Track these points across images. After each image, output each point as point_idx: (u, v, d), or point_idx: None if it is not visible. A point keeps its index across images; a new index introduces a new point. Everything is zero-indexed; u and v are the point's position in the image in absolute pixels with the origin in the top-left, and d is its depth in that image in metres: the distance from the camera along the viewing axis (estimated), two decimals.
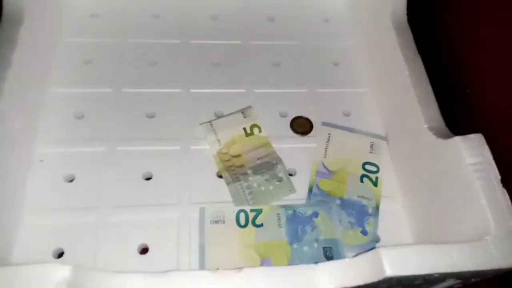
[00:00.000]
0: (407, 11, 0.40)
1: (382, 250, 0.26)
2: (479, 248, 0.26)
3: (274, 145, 0.40)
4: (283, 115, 0.42)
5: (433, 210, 0.34)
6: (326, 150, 0.41)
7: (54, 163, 0.38)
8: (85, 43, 0.45)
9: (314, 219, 0.37)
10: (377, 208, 0.38)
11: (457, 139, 0.31)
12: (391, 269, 0.25)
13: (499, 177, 0.29)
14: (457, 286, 0.31)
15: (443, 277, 0.27)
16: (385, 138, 0.42)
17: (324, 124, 0.42)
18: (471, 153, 0.30)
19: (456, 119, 0.36)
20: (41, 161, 0.38)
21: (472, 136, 0.31)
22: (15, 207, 0.35)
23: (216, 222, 0.36)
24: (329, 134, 0.41)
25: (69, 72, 0.43)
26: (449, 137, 0.32)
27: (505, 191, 0.29)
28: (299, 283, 0.27)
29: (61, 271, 0.23)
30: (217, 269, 0.27)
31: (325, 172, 0.40)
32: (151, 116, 0.41)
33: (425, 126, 0.34)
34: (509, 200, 0.28)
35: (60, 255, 0.34)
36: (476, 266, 0.26)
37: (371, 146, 0.41)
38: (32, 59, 0.38)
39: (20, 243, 0.34)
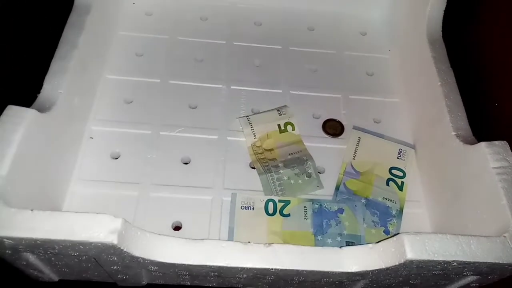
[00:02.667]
0: (447, 27, 0.43)
1: (404, 235, 0.28)
2: (497, 242, 0.28)
3: (305, 144, 0.43)
4: (316, 117, 0.45)
5: (455, 213, 0.35)
6: (355, 152, 0.43)
7: (102, 141, 0.41)
8: (139, 38, 0.49)
9: (339, 214, 0.39)
10: (401, 210, 0.40)
11: (483, 144, 0.33)
12: (412, 253, 0.27)
13: None
14: (474, 285, 0.32)
15: (461, 268, 0.28)
16: (413, 146, 0.43)
17: (355, 128, 0.44)
18: (495, 157, 0.32)
19: (484, 129, 0.37)
20: (91, 138, 0.41)
21: (497, 142, 0.32)
22: (65, 177, 0.38)
23: (246, 208, 0.39)
24: (359, 137, 0.44)
25: (122, 61, 0.46)
26: (474, 143, 0.34)
27: None
28: (324, 262, 0.29)
29: (114, 222, 0.26)
30: (248, 242, 0.29)
31: (353, 173, 0.42)
32: (194, 107, 0.44)
33: (453, 133, 0.36)
34: None
35: None
36: (493, 258, 0.27)
37: (399, 152, 0.43)
38: (93, 46, 0.42)
39: (67, 210, 0.37)
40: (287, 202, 0.39)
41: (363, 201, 0.40)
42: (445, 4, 0.42)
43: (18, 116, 0.30)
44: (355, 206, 0.39)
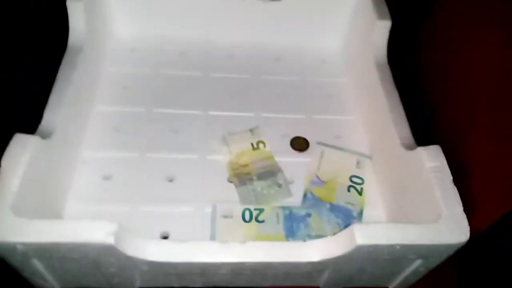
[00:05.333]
0: (392, 53, 0.50)
1: (354, 226, 0.33)
2: (432, 227, 0.33)
3: (276, 159, 0.48)
4: (285, 136, 0.51)
5: (403, 209, 0.41)
6: (319, 164, 0.48)
7: (95, 165, 0.46)
8: (125, 72, 0.54)
9: (307, 218, 0.44)
10: (361, 212, 0.45)
11: (420, 149, 0.39)
12: (360, 239, 0.32)
13: (451, 177, 0.37)
14: (422, 269, 0.38)
15: (404, 251, 0.34)
16: (369, 157, 0.50)
17: (318, 143, 0.50)
18: (430, 159, 0.38)
19: (423, 133, 0.44)
20: (85, 162, 0.46)
21: (431, 146, 0.39)
22: (62, 196, 0.42)
23: (226, 217, 0.44)
24: (322, 151, 0.50)
25: (111, 94, 0.52)
26: (414, 148, 0.40)
27: (455, 188, 0.36)
28: (291, 254, 0.34)
29: (111, 225, 0.31)
30: (227, 240, 0.34)
31: (318, 182, 0.47)
32: (176, 131, 0.50)
33: (398, 142, 0.42)
34: (458, 195, 0.36)
35: None
36: (429, 241, 0.33)
37: (358, 162, 0.49)
38: (85, 81, 0.47)
39: None
40: (261, 210, 0.44)
41: (327, 206, 0.45)
42: (388, 34, 0.49)
43: (24, 142, 0.35)
44: (321, 210, 0.45)
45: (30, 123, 0.39)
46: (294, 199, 0.46)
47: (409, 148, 0.41)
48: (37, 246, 0.31)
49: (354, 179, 0.48)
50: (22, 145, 0.35)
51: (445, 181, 0.36)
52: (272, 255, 0.34)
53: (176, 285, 0.39)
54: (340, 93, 0.56)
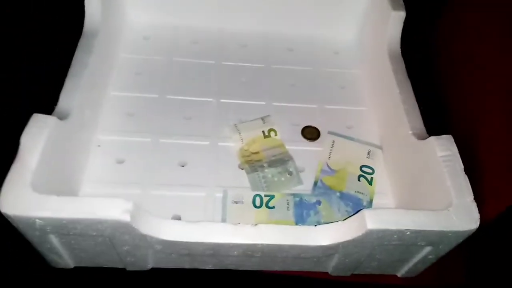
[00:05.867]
0: (406, 44, 0.50)
1: (365, 211, 0.33)
2: (442, 214, 0.34)
3: (287, 147, 0.49)
4: (296, 124, 0.51)
5: (414, 198, 0.41)
6: (330, 154, 0.49)
7: (109, 148, 0.47)
8: (138, 59, 0.55)
9: (317, 206, 0.45)
10: (371, 201, 0.46)
11: (432, 138, 0.39)
12: (371, 223, 0.33)
13: (462, 166, 0.37)
14: (430, 257, 0.38)
15: (414, 237, 0.34)
16: (380, 147, 0.50)
17: (329, 132, 0.51)
18: (442, 148, 0.38)
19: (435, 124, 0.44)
20: (99, 146, 0.47)
21: (443, 136, 0.39)
22: (77, 179, 0.43)
23: (236, 202, 0.44)
24: (334, 141, 0.50)
25: (124, 80, 0.53)
26: (426, 138, 0.40)
27: (466, 177, 0.36)
28: (302, 237, 0.34)
29: (127, 204, 0.32)
30: (238, 223, 0.35)
31: (329, 171, 0.48)
32: (188, 118, 0.50)
33: (410, 132, 0.43)
34: (469, 184, 0.36)
35: None
36: (439, 227, 0.33)
37: (368, 152, 0.49)
38: (100, 66, 0.48)
39: None
40: (271, 196, 0.45)
41: (337, 194, 0.46)
42: (402, 26, 0.50)
43: (42, 122, 0.36)
44: (331, 198, 0.45)
45: (46, 107, 0.40)
46: (305, 187, 0.46)
47: (421, 138, 0.41)
48: (55, 221, 0.31)
49: (365, 169, 0.48)
50: (40, 124, 0.36)
51: (457, 170, 0.37)
52: (284, 237, 0.34)
53: (187, 266, 0.40)
54: (353, 84, 0.56)
